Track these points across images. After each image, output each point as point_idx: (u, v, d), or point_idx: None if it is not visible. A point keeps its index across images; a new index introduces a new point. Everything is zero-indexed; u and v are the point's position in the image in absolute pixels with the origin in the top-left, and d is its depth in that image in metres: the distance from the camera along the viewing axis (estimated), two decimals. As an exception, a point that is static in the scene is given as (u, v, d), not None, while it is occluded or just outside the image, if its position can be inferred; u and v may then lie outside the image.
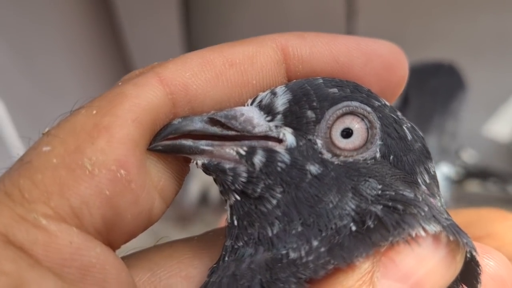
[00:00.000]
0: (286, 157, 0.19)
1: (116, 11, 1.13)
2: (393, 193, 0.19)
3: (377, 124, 0.20)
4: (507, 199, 1.22)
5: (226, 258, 0.20)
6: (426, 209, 0.19)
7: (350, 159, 0.19)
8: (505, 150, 1.24)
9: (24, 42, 1.09)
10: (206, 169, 0.20)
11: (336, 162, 0.19)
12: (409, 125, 0.21)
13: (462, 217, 0.26)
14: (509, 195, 1.18)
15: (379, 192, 0.19)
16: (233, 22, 1.58)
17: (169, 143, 0.20)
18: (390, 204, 0.19)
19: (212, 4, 1.59)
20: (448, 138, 0.26)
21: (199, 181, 1.23)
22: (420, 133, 0.22)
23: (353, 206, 0.19)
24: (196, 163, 0.20)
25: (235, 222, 0.20)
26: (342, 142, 0.19)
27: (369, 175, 0.19)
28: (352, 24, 1.40)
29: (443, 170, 0.27)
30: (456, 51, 1.31)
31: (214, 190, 1.25)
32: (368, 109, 0.20)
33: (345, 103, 0.20)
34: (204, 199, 1.31)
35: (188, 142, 0.20)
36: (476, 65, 1.29)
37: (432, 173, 0.22)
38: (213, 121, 0.20)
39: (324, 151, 0.19)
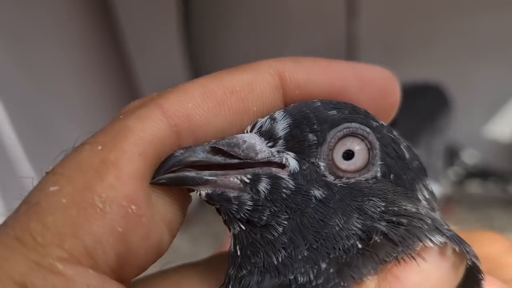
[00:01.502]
0: (290, 183, 0.19)
1: (116, 13, 1.14)
2: (397, 209, 0.20)
3: (377, 145, 0.20)
4: (508, 200, 1.22)
5: (230, 287, 0.20)
6: (429, 221, 0.20)
7: (353, 180, 0.20)
8: (506, 150, 1.24)
9: (23, 42, 1.09)
10: (211, 199, 0.20)
11: (339, 184, 0.19)
12: (405, 144, 0.22)
13: None
14: (510, 195, 1.18)
15: (383, 209, 0.19)
16: (233, 24, 1.58)
17: (172, 176, 0.20)
18: (394, 219, 0.19)
19: (212, 6, 1.60)
20: (434, 156, 0.27)
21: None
22: (415, 151, 0.22)
23: (359, 226, 0.19)
24: (200, 194, 0.20)
25: (238, 252, 0.20)
26: (344, 164, 0.20)
27: (372, 194, 0.20)
28: (353, 25, 1.40)
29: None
30: (457, 51, 1.31)
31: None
32: (368, 130, 0.20)
33: (345, 125, 0.20)
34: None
35: (192, 174, 0.20)
36: (478, 65, 1.29)
37: (430, 189, 0.22)
38: (216, 150, 0.20)
39: (327, 174, 0.20)
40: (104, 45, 1.24)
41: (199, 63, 1.60)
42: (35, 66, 1.09)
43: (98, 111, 1.23)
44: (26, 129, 1.07)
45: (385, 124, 0.22)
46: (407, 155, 0.21)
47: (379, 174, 0.20)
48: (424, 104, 0.27)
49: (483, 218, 1.14)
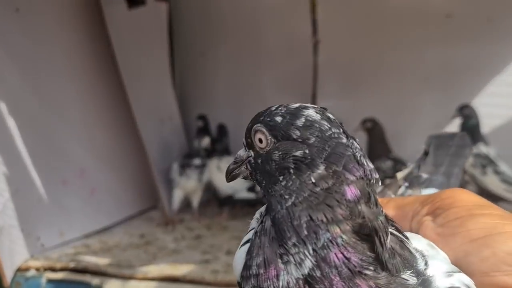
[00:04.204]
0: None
1: (113, 44, 1.28)
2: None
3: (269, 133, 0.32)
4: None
5: None
6: None
7: (265, 151, 0.32)
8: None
9: (33, 67, 1.22)
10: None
11: (261, 153, 0.33)
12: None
13: None
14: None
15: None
16: (214, 55, 1.70)
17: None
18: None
19: (194, 39, 1.73)
20: (453, 179, 0.41)
21: (182, 190, 1.36)
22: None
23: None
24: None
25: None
26: (258, 145, 0.33)
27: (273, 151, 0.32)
28: (317, 56, 1.55)
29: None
30: (405, 80, 1.48)
31: (195, 199, 1.39)
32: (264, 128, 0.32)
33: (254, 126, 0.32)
34: (186, 206, 1.44)
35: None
36: (424, 92, 1.46)
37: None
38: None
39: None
40: (104, 77, 1.39)
41: (184, 90, 1.74)
42: (43, 88, 1.22)
43: (99, 131, 1.38)
44: (37, 146, 1.19)
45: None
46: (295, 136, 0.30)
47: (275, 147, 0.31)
48: (451, 144, 0.40)
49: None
